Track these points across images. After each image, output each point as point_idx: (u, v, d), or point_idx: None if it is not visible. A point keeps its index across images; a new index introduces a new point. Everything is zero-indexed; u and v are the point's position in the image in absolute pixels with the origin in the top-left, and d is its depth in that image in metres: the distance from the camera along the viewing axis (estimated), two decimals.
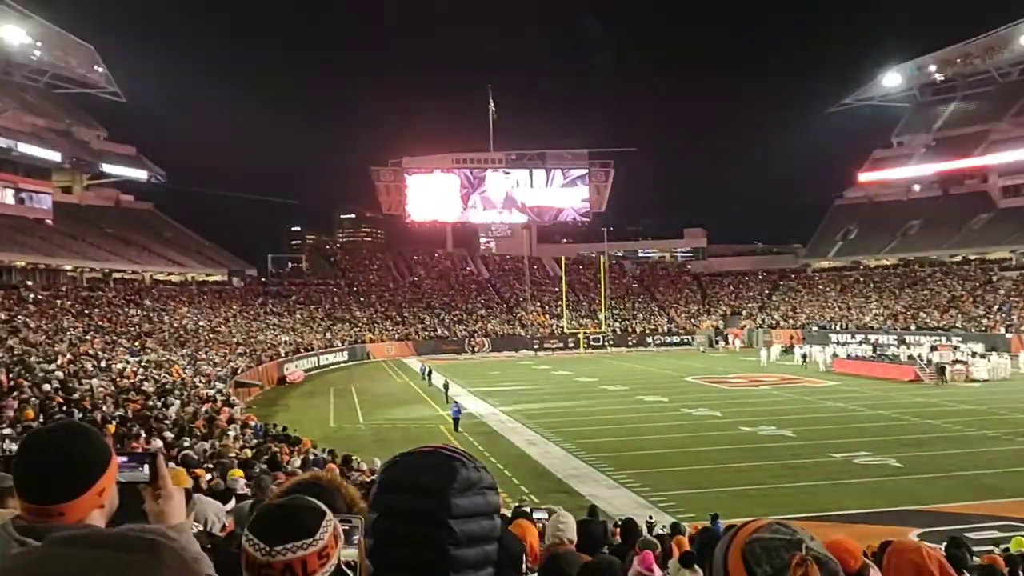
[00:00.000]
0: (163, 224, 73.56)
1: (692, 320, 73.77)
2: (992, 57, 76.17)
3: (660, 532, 12.67)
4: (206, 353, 43.59)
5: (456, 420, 29.41)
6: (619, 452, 24.28)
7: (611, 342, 69.19)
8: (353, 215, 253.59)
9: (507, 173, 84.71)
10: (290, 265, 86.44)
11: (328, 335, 62.71)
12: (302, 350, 55.44)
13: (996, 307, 58.54)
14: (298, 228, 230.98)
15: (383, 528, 1.36)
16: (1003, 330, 53.50)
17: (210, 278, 67.93)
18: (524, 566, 3.16)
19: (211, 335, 50.57)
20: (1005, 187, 73.09)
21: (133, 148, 72.71)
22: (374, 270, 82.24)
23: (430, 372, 45.66)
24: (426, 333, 68.78)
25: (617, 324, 72.68)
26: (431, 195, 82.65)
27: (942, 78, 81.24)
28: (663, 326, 73.10)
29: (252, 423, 22.42)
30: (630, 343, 69.30)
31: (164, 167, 74.18)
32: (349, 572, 1.46)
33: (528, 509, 11.95)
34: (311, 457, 17.37)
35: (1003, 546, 12.01)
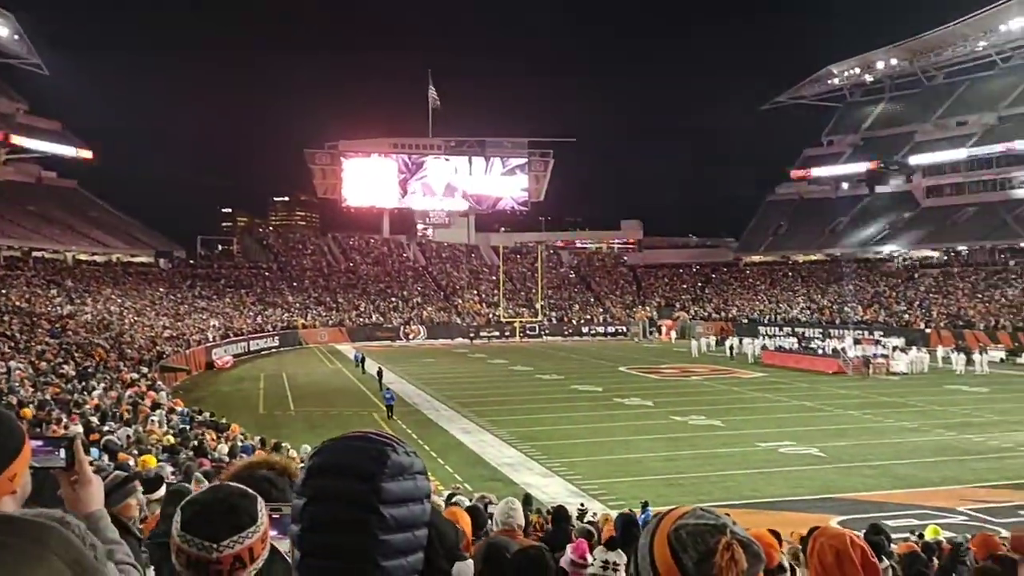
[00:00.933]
0: (88, 203, 71.00)
1: (627, 311, 74.68)
2: (919, 60, 78.82)
3: (591, 519, 12.78)
4: (131, 336, 42.34)
5: (390, 407, 29.18)
6: (553, 441, 24.44)
7: (547, 331, 69.60)
8: (287, 198, 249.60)
9: (446, 160, 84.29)
10: (220, 247, 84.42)
11: (259, 320, 61.53)
12: (231, 335, 54.29)
13: (917, 303, 60.74)
14: (229, 210, 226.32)
15: (311, 514, 1.30)
16: (923, 325, 55.58)
17: (136, 259, 65.96)
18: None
19: (136, 318, 49.13)
20: (928, 187, 75.83)
21: (57, 123, 69.93)
22: (308, 254, 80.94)
23: (363, 359, 45.21)
24: (360, 319, 68.07)
25: (553, 314, 73.13)
26: (368, 180, 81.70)
27: (871, 79, 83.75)
28: (599, 316, 73.83)
29: (178, 408, 21.85)
30: (566, 333, 69.82)
31: (90, 144, 71.58)
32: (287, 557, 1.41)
33: (485, 499, 11.93)
34: (239, 444, 17.02)
35: (919, 533, 12.47)
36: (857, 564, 2.29)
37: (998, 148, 69.75)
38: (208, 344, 48.89)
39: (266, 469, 2.04)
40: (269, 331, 59.95)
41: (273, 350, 57.05)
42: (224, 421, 21.54)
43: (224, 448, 15.98)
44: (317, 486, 1.31)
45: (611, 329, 71.12)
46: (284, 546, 1.61)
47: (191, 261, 72.41)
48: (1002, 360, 45.93)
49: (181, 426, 18.67)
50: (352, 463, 1.31)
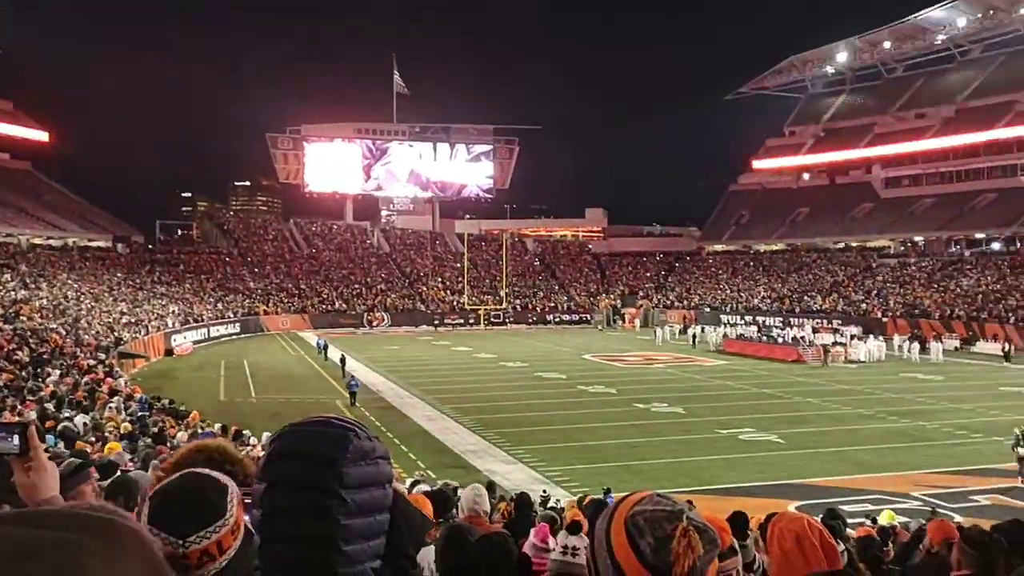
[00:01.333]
0: (42, 185, 69.36)
1: (591, 299, 75.02)
2: (879, 53, 79.98)
3: (553, 505, 12.85)
4: (88, 322, 41.52)
5: (353, 395, 29.02)
6: (517, 428, 24.51)
7: (511, 319, 69.66)
8: (248, 183, 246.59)
9: (411, 146, 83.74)
10: (180, 232, 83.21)
11: (220, 306, 60.73)
12: (191, 321, 53.52)
13: (875, 292, 61.85)
14: (189, 194, 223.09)
15: (272, 499, 1.29)
16: (880, 314, 56.62)
17: (93, 244, 64.61)
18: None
19: (94, 304, 48.18)
20: (887, 178, 77.15)
21: (10, 103, 68.13)
22: (269, 240, 79.95)
23: (326, 346, 44.87)
24: (323, 306, 67.53)
25: (518, 301, 73.19)
26: (331, 165, 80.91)
27: (832, 71, 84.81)
28: (563, 304, 74.07)
29: (137, 395, 21.49)
30: (530, 320, 69.94)
31: (45, 125, 69.89)
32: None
33: (448, 486, 11.92)
34: (199, 431, 16.79)
35: (872, 517, 12.73)
36: (816, 546, 2.32)
37: (956, 140, 71.16)
38: (167, 330, 48.15)
39: (205, 455, 2.00)
40: (230, 318, 59.22)
41: (234, 337, 56.38)
42: (184, 408, 21.25)
43: (183, 436, 15.74)
44: (278, 471, 1.30)
45: (575, 317, 71.41)
46: None
47: (150, 246, 71.22)
48: (956, 348, 46.99)
49: (140, 413, 18.37)
50: (313, 448, 1.30)
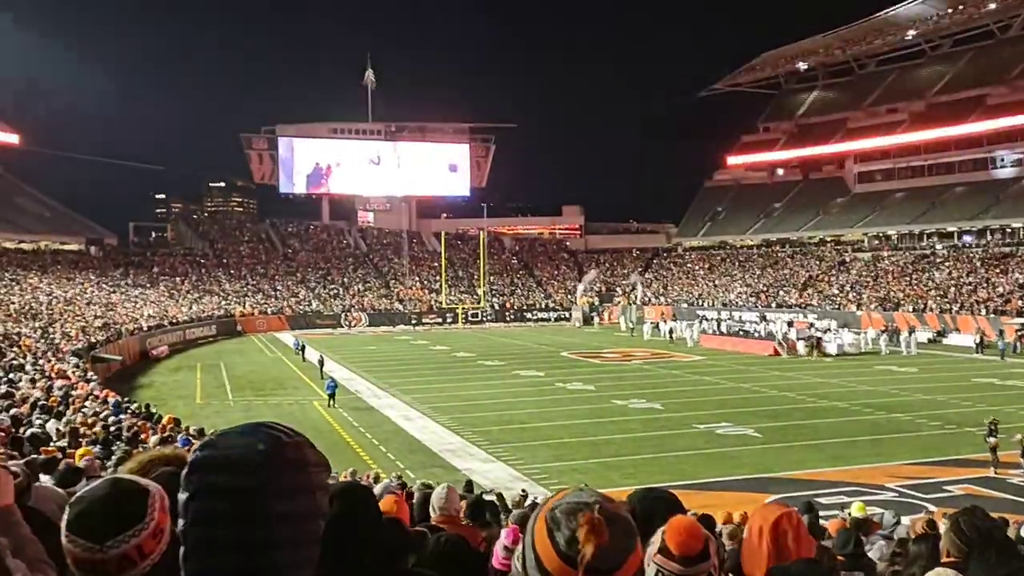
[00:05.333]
0: (14, 188, 68.37)
1: (569, 296, 75.17)
2: (851, 49, 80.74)
3: (535, 503, 12.84)
4: (60, 326, 40.99)
5: (331, 395, 28.86)
6: (495, 426, 24.50)
7: (489, 317, 69.63)
8: (223, 183, 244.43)
9: (387, 145, 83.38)
10: (154, 234, 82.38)
11: (195, 308, 60.19)
12: (167, 323, 52.99)
13: (849, 286, 62.46)
14: (163, 196, 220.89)
15: (195, 509, 1.26)
16: (854, 308, 57.20)
17: (66, 247, 63.83)
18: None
19: (66, 307, 47.59)
20: (860, 173, 77.92)
21: None
22: (245, 241, 79.36)
23: (304, 347, 44.60)
24: (300, 307, 67.14)
25: (496, 300, 73.17)
26: (306, 165, 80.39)
27: (805, 67, 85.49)
28: (541, 302, 74.14)
29: (111, 400, 21.24)
30: (508, 318, 69.95)
31: (17, 127, 68.86)
32: None
33: (427, 486, 11.87)
34: (175, 435, 16.62)
35: (847, 511, 12.85)
36: (795, 538, 2.34)
37: (926, 135, 72.02)
38: (142, 333, 47.65)
39: (163, 464, 1.98)
40: (206, 319, 58.71)
41: (211, 339, 55.91)
42: (158, 412, 21.04)
43: (158, 439, 15.59)
44: (200, 481, 1.27)
45: (553, 315, 71.51)
46: None
47: (123, 248, 70.43)
48: (930, 341, 47.58)
49: (113, 418, 18.16)
50: (238, 456, 1.27)
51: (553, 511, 1.32)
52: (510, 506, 11.10)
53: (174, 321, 54.38)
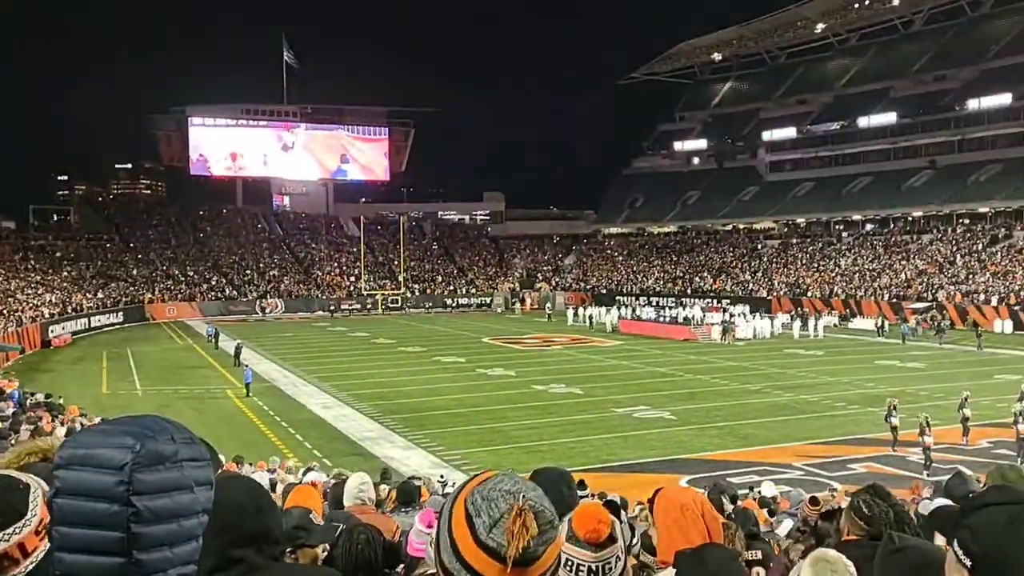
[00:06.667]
0: None
1: (490, 282, 75.28)
2: (763, 41, 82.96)
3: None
4: None
5: (247, 384, 28.18)
6: (415, 413, 24.38)
7: (410, 304, 69.16)
8: (130, 165, 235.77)
9: (303, 128, 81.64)
10: (56, 218, 78.70)
11: (101, 295, 57.88)
12: (70, 311, 50.82)
13: (760, 272, 64.40)
14: (65, 178, 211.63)
15: (60, 507, 1.23)
16: (765, 293, 59.04)
17: None
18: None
19: None
20: (771, 163, 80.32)
21: None
22: (154, 225, 76.51)
23: (217, 334, 43.44)
24: (213, 293, 65.33)
25: (416, 286, 72.70)
26: (219, 147, 78.07)
27: (720, 58, 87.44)
28: (462, 288, 74.03)
29: (9, 391, 20.25)
30: (428, 305, 69.62)
31: None
32: None
33: (342, 475, 11.70)
34: (78, 426, 15.97)
35: (756, 490, 13.26)
36: (699, 519, 2.38)
37: (834, 126, 74.68)
38: (44, 321, 45.60)
39: (40, 459, 1.88)
40: (112, 307, 56.57)
41: (117, 327, 53.94)
42: (61, 402, 20.16)
43: (61, 431, 14.93)
44: (65, 478, 1.23)
45: (474, 301, 71.52)
46: None
47: (23, 233, 67.13)
48: (835, 325, 49.49)
49: (13, 409, 17.32)
50: (102, 453, 1.23)
51: (473, 496, 1.30)
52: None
53: (78, 308, 52.21)
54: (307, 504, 3.46)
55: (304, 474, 11.85)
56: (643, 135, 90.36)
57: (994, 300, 47.10)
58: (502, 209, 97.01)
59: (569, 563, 1.90)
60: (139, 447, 1.23)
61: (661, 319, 49.14)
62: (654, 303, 59.28)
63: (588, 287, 71.29)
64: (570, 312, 56.57)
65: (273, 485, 9.98)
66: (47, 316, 46.97)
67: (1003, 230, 56.74)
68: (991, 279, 50.09)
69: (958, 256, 54.99)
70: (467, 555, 1.27)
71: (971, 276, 51.57)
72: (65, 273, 59.92)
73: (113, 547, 1.20)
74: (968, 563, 1.29)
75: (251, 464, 14.64)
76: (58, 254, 63.52)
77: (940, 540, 2.06)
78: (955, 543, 1.33)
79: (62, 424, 15.77)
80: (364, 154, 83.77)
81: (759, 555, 4.19)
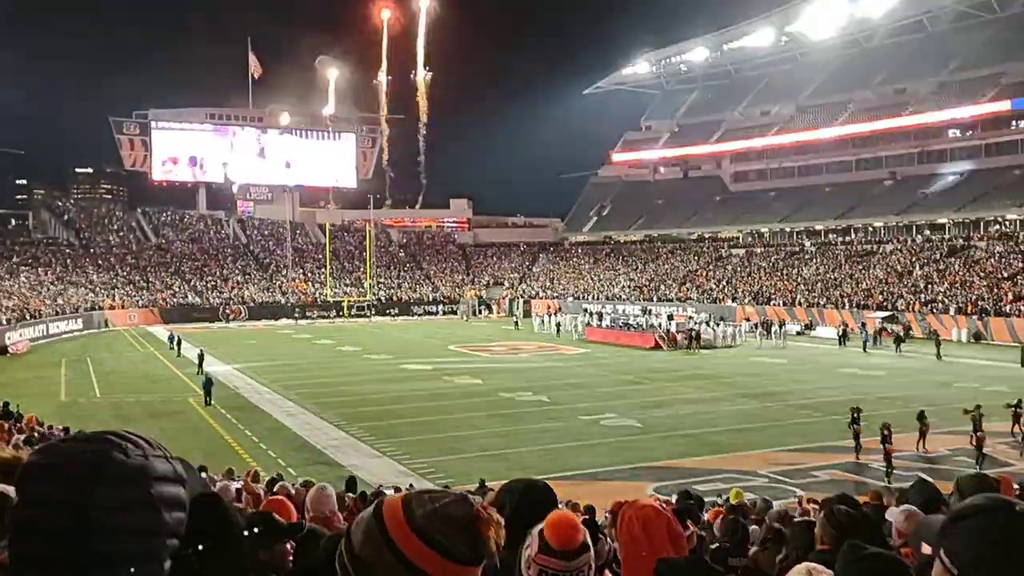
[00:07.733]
0: None
1: (456, 289, 75.09)
2: (727, 52, 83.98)
3: None
4: None
5: (208, 393, 27.70)
6: (382, 421, 24.19)
7: (375, 311, 68.71)
8: (91, 169, 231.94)
9: (268, 132, 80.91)
10: (14, 222, 77.15)
11: (59, 301, 56.75)
12: (28, 317, 49.76)
13: (725, 281, 65.02)
14: (24, 181, 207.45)
15: (19, 519, 1.19)
16: (730, 301, 59.60)
17: None
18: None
19: None
20: (736, 173, 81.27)
21: None
22: (114, 230, 75.30)
23: (179, 341, 42.75)
24: (175, 300, 64.35)
25: (382, 293, 72.28)
26: (182, 152, 77.06)
27: (686, 68, 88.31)
28: (428, 295, 73.75)
29: None
30: (394, 312, 69.23)
31: None
32: None
33: (309, 484, 11.54)
34: (35, 435, 15.59)
35: (724, 496, 13.34)
36: (663, 533, 2.36)
37: (796, 137, 75.77)
38: (0, 327, 44.57)
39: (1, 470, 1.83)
40: (71, 313, 55.47)
41: (76, 333, 52.88)
42: (19, 410, 19.69)
43: (19, 440, 14.58)
44: (26, 490, 1.20)
45: (441, 308, 71.25)
46: None
47: None
48: (798, 333, 50.11)
49: None
50: (66, 467, 1.19)
51: (427, 518, 1.26)
52: None
53: (35, 314, 51.13)
54: (282, 513, 3.39)
55: (271, 484, 11.67)
56: (610, 144, 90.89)
57: (952, 309, 48.03)
58: (469, 216, 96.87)
59: (543, 573, 1.89)
60: (105, 461, 1.20)
61: (627, 327, 49.35)
62: (620, 311, 59.53)
63: (555, 295, 71.42)
64: (537, 320, 56.67)
65: (238, 495, 9.82)
66: (3, 322, 45.94)
67: (961, 240, 57.92)
68: (949, 288, 51.07)
69: (917, 265, 56.00)
70: (417, 561, 1.24)
71: (930, 286, 52.54)
72: (23, 279, 58.70)
73: (69, 563, 1.18)
74: (955, 572, 1.29)
75: (214, 475, 14.40)
76: (15, 259, 62.22)
77: (927, 549, 2.07)
78: (941, 551, 1.33)
79: (20, 433, 15.40)
80: (331, 160, 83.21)
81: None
